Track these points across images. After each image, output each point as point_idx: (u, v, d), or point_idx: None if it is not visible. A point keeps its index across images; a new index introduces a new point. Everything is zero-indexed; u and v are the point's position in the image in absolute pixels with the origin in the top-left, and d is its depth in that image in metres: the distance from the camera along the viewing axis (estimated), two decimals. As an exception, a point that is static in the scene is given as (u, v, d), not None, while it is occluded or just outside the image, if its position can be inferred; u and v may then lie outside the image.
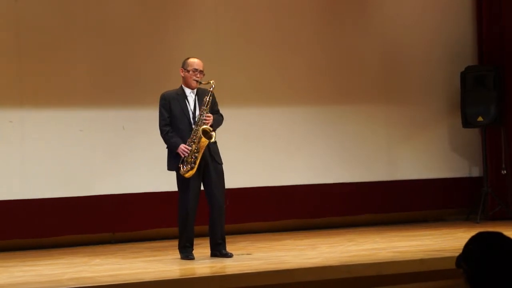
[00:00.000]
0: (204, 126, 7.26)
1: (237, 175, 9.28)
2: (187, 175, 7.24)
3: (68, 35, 8.88)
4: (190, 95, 7.40)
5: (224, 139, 7.58)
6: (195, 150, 7.24)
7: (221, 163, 7.39)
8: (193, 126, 7.32)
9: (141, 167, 9.04)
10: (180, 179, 7.31)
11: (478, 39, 10.59)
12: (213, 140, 7.24)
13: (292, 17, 9.85)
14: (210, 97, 7.32)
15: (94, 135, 8.97)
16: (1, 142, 8.64)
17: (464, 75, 10.29)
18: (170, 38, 9.27)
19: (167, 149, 7.40)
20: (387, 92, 10.29)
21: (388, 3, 10.38)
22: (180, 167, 7.24)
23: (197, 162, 7.24)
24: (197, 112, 7.34)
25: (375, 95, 10.23)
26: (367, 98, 10.17)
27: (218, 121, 7.41)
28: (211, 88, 7.33)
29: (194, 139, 7.26)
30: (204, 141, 7.25)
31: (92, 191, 8.92)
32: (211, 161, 7.33)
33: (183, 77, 7.43)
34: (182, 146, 7.26)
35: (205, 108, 7.31)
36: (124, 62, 9.11)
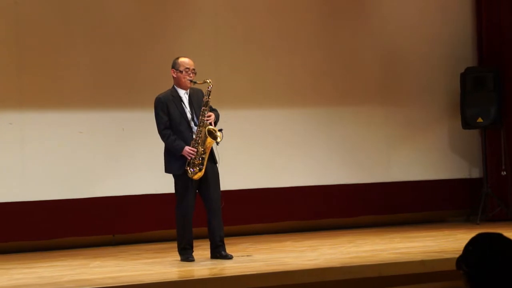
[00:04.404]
0: (209, 127, 7.22)
1: (237, 176, 9.29)
2: (196, 177, 7.21)
3: (68, 37, 8.87)
4: (185, 96, 7.36)
5: (224, 141, 7.56)
6: (202, 152, 7.21)
7: (217, 162, 7.38)
8: (194, 127, 7.29)
9: (141, 168, 9.02)
10: (179, 182, 7.29)
11: (478, 40, 10.58)
12: (219, 140, 7.21)
13: (292, 19, 9.84)
14: (209, 97, 7.29)
15: (94, 137, 8.96)
16: (0, 144, 8.63)
17: (464, 76, 10.28)
18: (170, 40, 9.26)
19: (164, 152, 7.38)
20: (386, 93, 10.28)
21: (388, 4, 10.37)
22: (187, 169, 7.22)
23: (205, 163, 7.21)
24: (194, 113, 7.31)
25: (375, 96, 10.22)
26: (367, 99, 10.17)
27: (217, 117, 7.39)
28: (209, 88, 7.28)
29: (198, 140, 7.22)
30: (210, 141, 7.22)
31: (92, 193, 8.91)
32: (209, 161, 7.32)
33: (175, 78, 7.38)
34: (187, 148, 7.21)
35: (205, 108, 7.28)
36: (124, 63, 9.10)
